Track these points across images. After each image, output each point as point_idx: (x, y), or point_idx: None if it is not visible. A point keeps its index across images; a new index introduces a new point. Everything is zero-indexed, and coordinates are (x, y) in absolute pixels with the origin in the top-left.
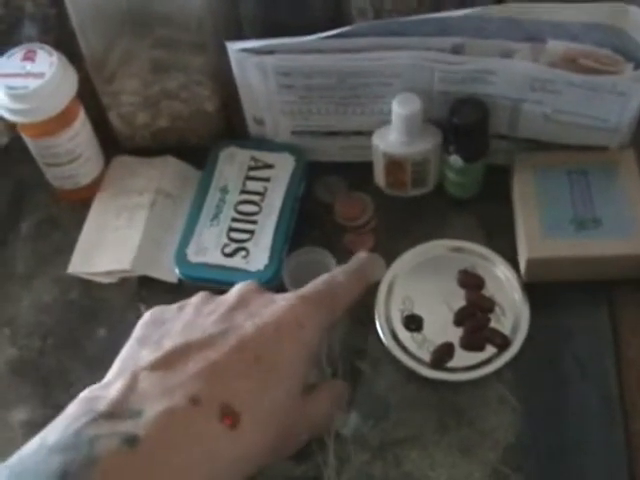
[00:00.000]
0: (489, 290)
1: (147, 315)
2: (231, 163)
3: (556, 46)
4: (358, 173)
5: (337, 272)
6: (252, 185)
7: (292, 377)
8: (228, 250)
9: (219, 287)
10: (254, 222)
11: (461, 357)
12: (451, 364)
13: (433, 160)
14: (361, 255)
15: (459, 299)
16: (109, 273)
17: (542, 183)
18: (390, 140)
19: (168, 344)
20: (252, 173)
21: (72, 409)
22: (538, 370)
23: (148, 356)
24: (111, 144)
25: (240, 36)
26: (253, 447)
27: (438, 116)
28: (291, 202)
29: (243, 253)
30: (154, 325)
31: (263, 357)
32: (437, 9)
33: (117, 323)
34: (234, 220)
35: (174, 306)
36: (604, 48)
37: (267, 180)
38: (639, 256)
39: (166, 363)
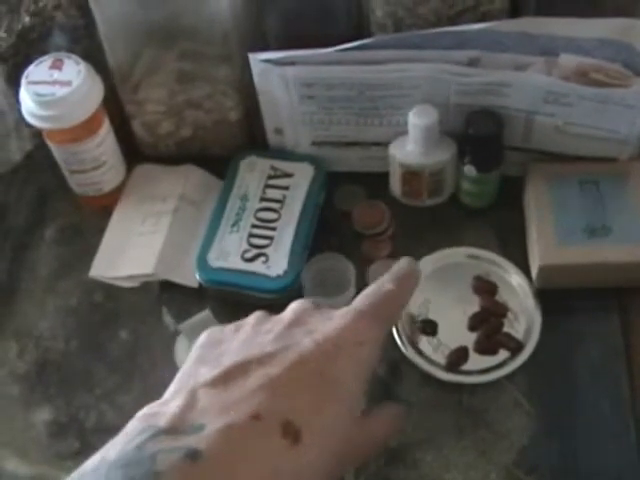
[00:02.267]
0: (502, 296)
1: (204, 336)
2: (251, 172)
3: (569, 60)
4: (376, 183)
5: (385, 280)
6: (272, 193)
7: (352, 394)
8: (248, 255)
9: (239, 291)
10: (274, 229)
11: (475, 361)
12: (466, 367)
13: (449, 170)
14: (403, 261)
15: (473, 305)
16: (131, 277)
17: (554, 193)
18: (407, 151)
19: (227, 361)
20: (272, 181)
21: (131, 426)
22: (551, 375)
23: (207, 374)
24: (134, 153)
25: (264, 48)
26: (314, 462)
27: (453, 127)
28: (310, 210)
29: (263, 259)
30: (211, 346)
31: (324, 373)
32: (454, 23)
33: (139, 326)
34: (254, 227)
35: (230, 326)
36: (615, 63)
37: (286, 188)
38: None
39: (225, 380)
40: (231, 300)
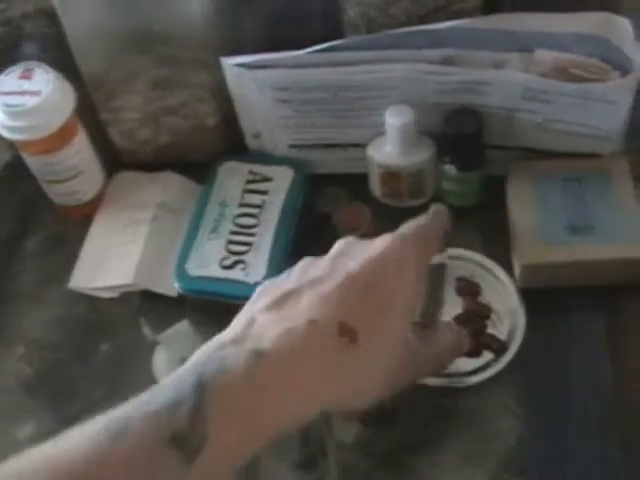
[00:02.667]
0: (486, 297)
1: (259, 289)
2: (230, 177)
3: (546, 56)
4: (358, 184)
5: (420, 218)
6: (251, 198)
7: (403, 304)
8: (227, 263)
9: (219, 300)
10: (252, 235)
11: (460, 363)
12: (450, 370)
13: (429, 171)
14: (434, 206)
15: (457, 306)
16: (111, 288)
17: (537, 190)
18: (384, 152)
19: (281, 290)
20: (251, 186)
21: (201, 349)
22: (538, 375)
23: (262, 303)
24: (113, 160)
25: (240, 52)
26: (373, 360)
27: (433, 127)
28: (290, 214)
29: (242, 265)
30: (266, 289)
31: (372, 285)
32: (426, 22)
33: (121, 337)
34: (233, 233)
35: (282, 274)
36: (592, 57)
37: (265, 193)
38: (632, 260)
39: (280, 302)
40: (212, 308)
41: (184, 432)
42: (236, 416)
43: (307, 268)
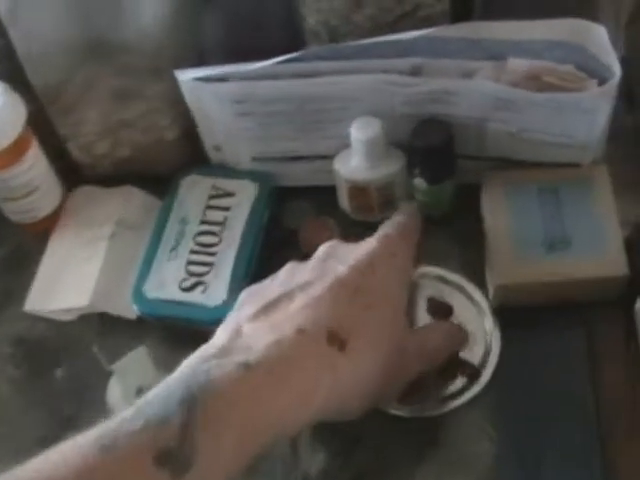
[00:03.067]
0: (458, 317)
1: (243, 293)
2: (192, 192)
3: (518, 64)
4: (325, 196)
5: (396, 217)
6: (212, 215)
7: (394, 298)
8: (186, 284)
9: (178, 324)
10: (213, 254)
11: (433, 390)
12: (424, 398)
13: (398, 183)
14: (404, 205)
15: None
16: (67, 310)
17: (512, 203)
18: (351, 165)
19: (267, 297)
20: (213, 202)
21: (186, 362)
22: (515, 397)
23: (249, 311)
24: (73, 173)
25: (200, 61)
26: (365, 366)
27: (402, 138)
28: (253, 231)
29: (201, 288)
30: (251, 295)
31: (362, 287)
32: (393, 29)
33: (77, 361)
34: (193, 252)
35: (267, 279)
36: (567, 65)
37: (227, 209)
38: (610, 278)
39: (266, 310)
40: (172, 331)
41: (172, 449)
42: (227, 429)
43: (294, 272)
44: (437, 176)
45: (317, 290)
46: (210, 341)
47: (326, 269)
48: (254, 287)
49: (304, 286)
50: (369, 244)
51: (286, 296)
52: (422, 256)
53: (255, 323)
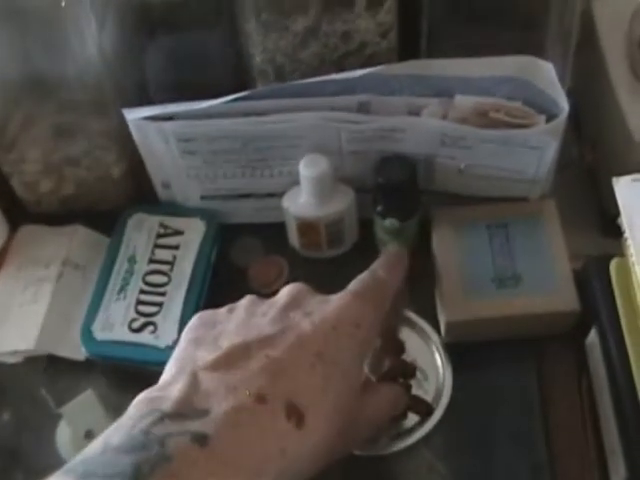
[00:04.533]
0: (410, 354)
1: (195, 318)
2: (139, 230)
3: (465, 100)
4: (276, 233)
5: (375, 268)
6: (161, 254)
7: (353, 374)
8: (136, 325)
9: (128, 365)
10: (163, 294)
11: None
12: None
13: (347, 220)
14: (391, 249)
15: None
16: (13, 353)
17: (462, 239)
18: (300, 202)
19: (226, 344)
20: (161, 241)
21: (133, 410)
22: (467, 435)
23: (206, 356)
24: (18, 210)
25: (144, 98)
26: (320, 443)
27: (351, 174)
28: (202, 270)
29: (151, 328)
30: (206, 327)
31: (324, 354)
32: (340, 67)
33: (24, 405)
34: (142, 292)
35: (223, 309)
36: (515, 101)
37: (176, 248)
38: (561, 313)
39: (227, 362)
40: (124, 372)
41: None
42: None
43: (253, 312)
44: (407, 212)
45: (277, 351)
46: (162, 381)
47: (289, 323)
48: (207, 314)
49: (264, 342)
50: (338, 302)
51: (244, 350)
52: (404, 304)
53: (213, 374)
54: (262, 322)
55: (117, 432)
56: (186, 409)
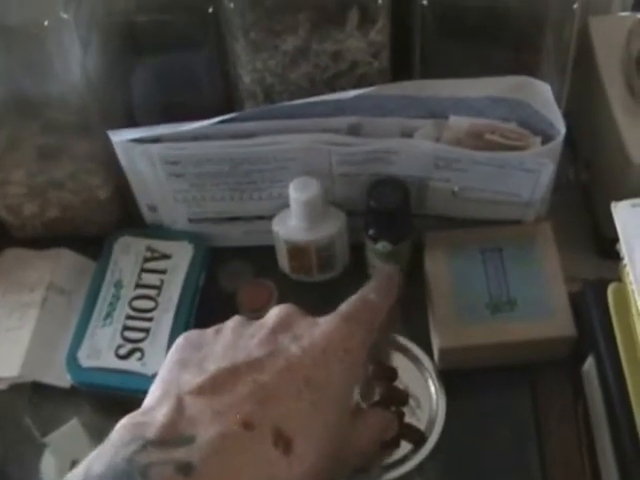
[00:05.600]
0: (403, 381)
1: (181, 339)
2: (126, 254)
3: (459, 122)
4: (265, 256)
5: (367, 290)
6: (148, 278)
7: (342, 399)
8: (123, 352)
9: (114, 393)
10: (150, 319)
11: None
12: (367, 465)
13: (339, 244)
14: (385, 270)
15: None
16: None
17: (455, 264)
18: (290, 226)
19: (212, 367)
20: (148, 265)
21: (116, 437)
22: (461, 462)
23: (192, 380)
24: (2, 233)
25: (129, 120)
26: (308, 470)
27: (342, 198)
28: (190, 295)
29: (138, 354)
30: (192, 348)
31: (312, 379)
32: (331, 87)
33: (9, 433)
34: (129, 318)
35: (210, 330)
36: (509, 122)
37: (164, 272)
38: (557, 339)
39: (213, 386)
40: (108, 400)
41: None
42: None
43: (241, 333)
44: (399, 236)
45: (265, 376)
46: (146, 404)
47: (277, 347)
48: (194, 335)
49: (251, 366)
50: (328, 326)
51: (231, 374)
52: (391, 327)
53: (198, 398)
54: (250, 344)
55: (99, 460)
56: (171, 436)
